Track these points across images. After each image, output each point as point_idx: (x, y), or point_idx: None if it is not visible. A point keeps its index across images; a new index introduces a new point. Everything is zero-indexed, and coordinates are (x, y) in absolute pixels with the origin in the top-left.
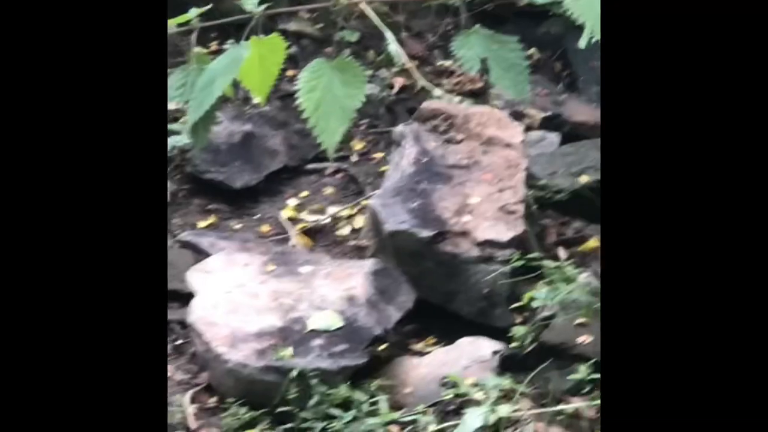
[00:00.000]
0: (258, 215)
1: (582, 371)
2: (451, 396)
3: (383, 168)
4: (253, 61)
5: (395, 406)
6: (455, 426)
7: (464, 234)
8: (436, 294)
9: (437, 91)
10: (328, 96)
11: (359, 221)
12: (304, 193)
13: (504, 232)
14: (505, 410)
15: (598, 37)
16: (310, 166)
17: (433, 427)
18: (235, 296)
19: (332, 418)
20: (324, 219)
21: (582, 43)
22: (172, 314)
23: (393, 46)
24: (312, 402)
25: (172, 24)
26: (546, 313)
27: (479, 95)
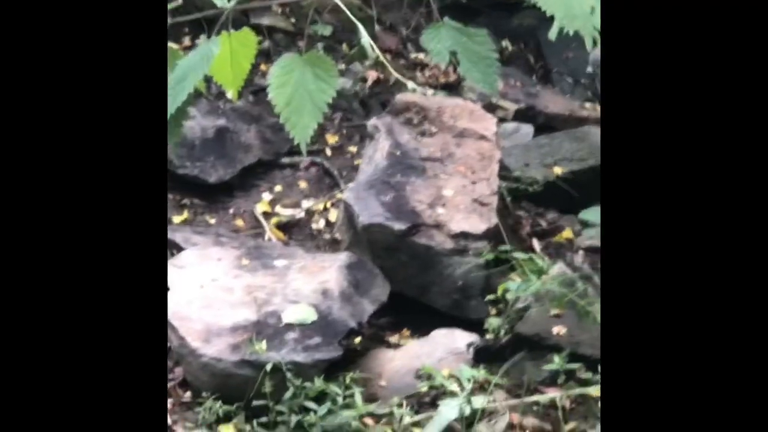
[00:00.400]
0: (232, 210)
1: (556, 362)
2: (426, 388)
3: (357, 161)
4: (224, 56)
5: (370, 399)
6: (430, 418)
7: (438, 226)
8: (411, 287)
9: (411, 84)
10: (300, 90)
11: (333, 215)
12: (279, 188)
13: (478, 224)
14: (480, 401)
15: (567, 28)
16: (285, 160)
17: (408, 419)
18: (209, 291)
19: (307, 411)
20: (298, 213)
21: (552, 35)
22: None
23: (366, 40)
24: (287, 395)
25: None
26: (520, 305)
27: (453, 88)
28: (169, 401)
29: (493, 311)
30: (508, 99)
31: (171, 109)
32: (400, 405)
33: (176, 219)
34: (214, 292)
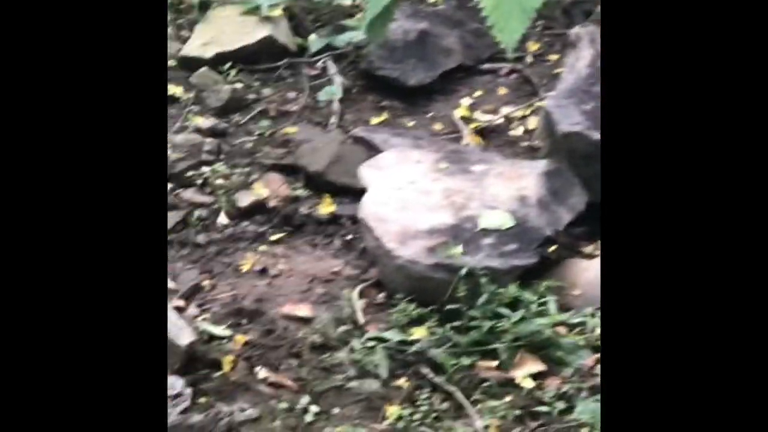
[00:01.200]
0: (431, 113)
1: None
2: None
3: (558, 70)
4: None
5: (564, 308)
6: None
7: None
8: None
9: None
10: None
11: (532, 122)
12: (478, 93)
13: None
14: None
15: None
16: (485, 66)
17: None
18: (407, 193)
19: (500, 317)
20: (497, 119)
21: None
22: (343, 209)
23: None
24: (480, 300)
25: None
26: None
27: None
28: (363, 302)
29: None
30: None
31: (377, 8)
32: (593, 315)
33: (374, 120)
34: (411, 194)
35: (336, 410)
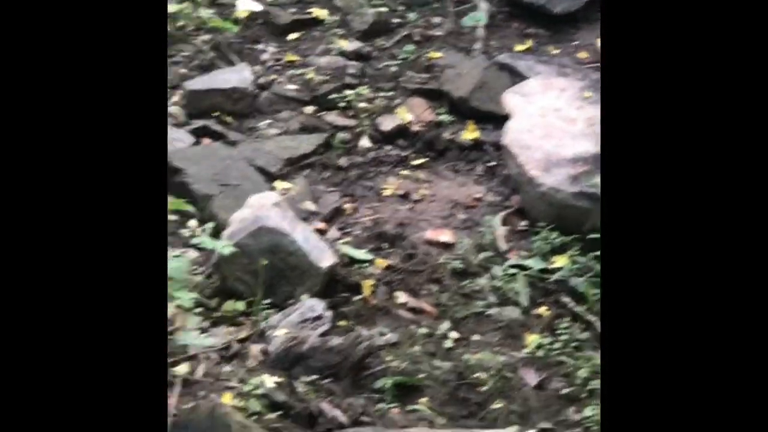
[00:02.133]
0: (576, 42)
1: None
2: None
3: None
4: None
5: None
6: None
7: None
8: None
9: None
10: None
11: None
12: None
13: None
14: None
15: None
16: None
17: None
18: (551, 120)
19: None
20: None
21: None
22: (486, 135)
23: None
24: None
25: None
26: None
27: None
28: (505, 229)
29: None
30: None
31: None
32: None
33: (519, 47)
34: (555, 121)
35: (476, 337)
